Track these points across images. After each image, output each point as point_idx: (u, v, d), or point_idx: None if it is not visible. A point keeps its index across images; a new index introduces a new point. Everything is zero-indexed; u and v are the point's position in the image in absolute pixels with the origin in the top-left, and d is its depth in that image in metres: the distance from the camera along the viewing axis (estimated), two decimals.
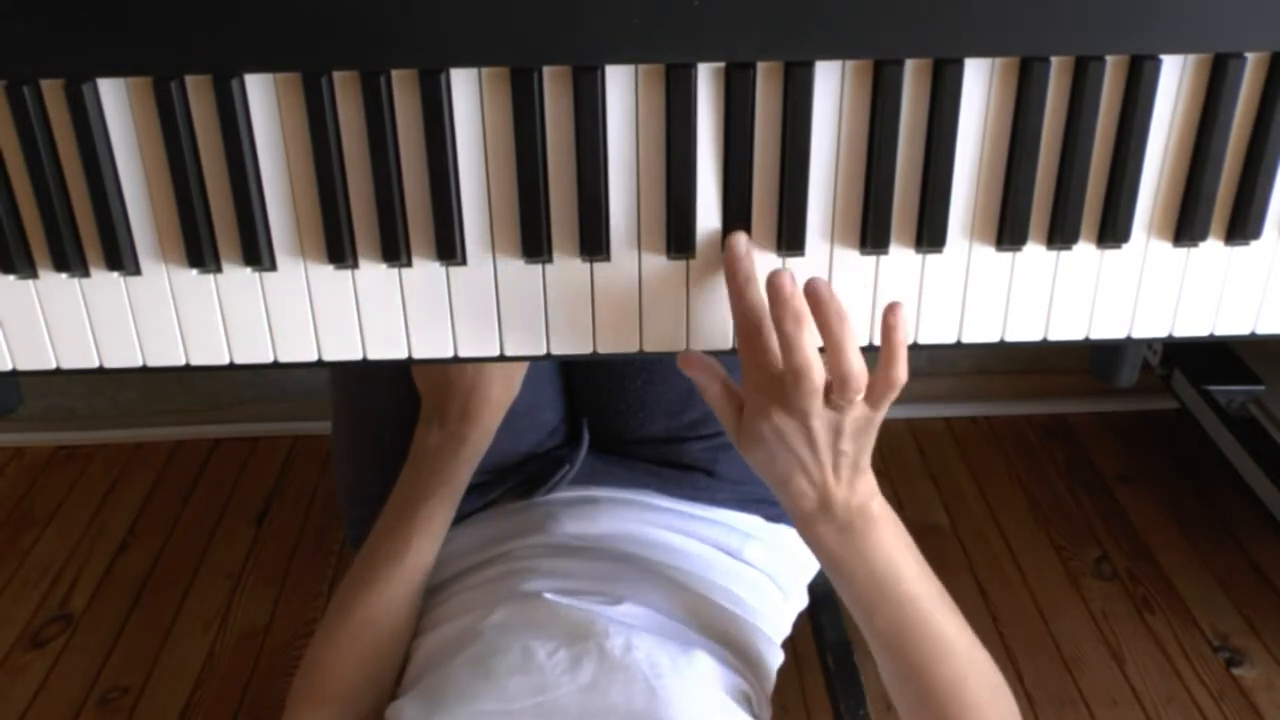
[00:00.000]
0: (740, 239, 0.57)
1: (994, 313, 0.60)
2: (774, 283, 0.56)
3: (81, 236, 0.56)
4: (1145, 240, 0.59)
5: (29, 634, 1.55)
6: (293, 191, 0.56)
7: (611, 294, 0.59)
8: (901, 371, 0.58)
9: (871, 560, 0.65)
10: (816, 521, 0.65)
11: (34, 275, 0.58)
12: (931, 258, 0.59)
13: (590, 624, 0.75)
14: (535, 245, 0.56)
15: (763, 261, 0.58)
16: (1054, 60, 0.54)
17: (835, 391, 0.57)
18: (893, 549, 0.66)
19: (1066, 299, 0.60)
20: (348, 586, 0.82)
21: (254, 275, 0.58)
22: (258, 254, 0.56)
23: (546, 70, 0.54)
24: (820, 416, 0.59)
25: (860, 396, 0.58)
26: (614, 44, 0.52)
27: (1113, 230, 0.58)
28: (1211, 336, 0.62)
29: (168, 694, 1.46)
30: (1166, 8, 0.52)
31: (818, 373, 0.56)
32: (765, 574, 0.90)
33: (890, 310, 0.57)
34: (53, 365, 0.60)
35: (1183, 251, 0.59)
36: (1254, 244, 0.59)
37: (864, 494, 0.64)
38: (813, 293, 0.56)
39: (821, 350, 0.58)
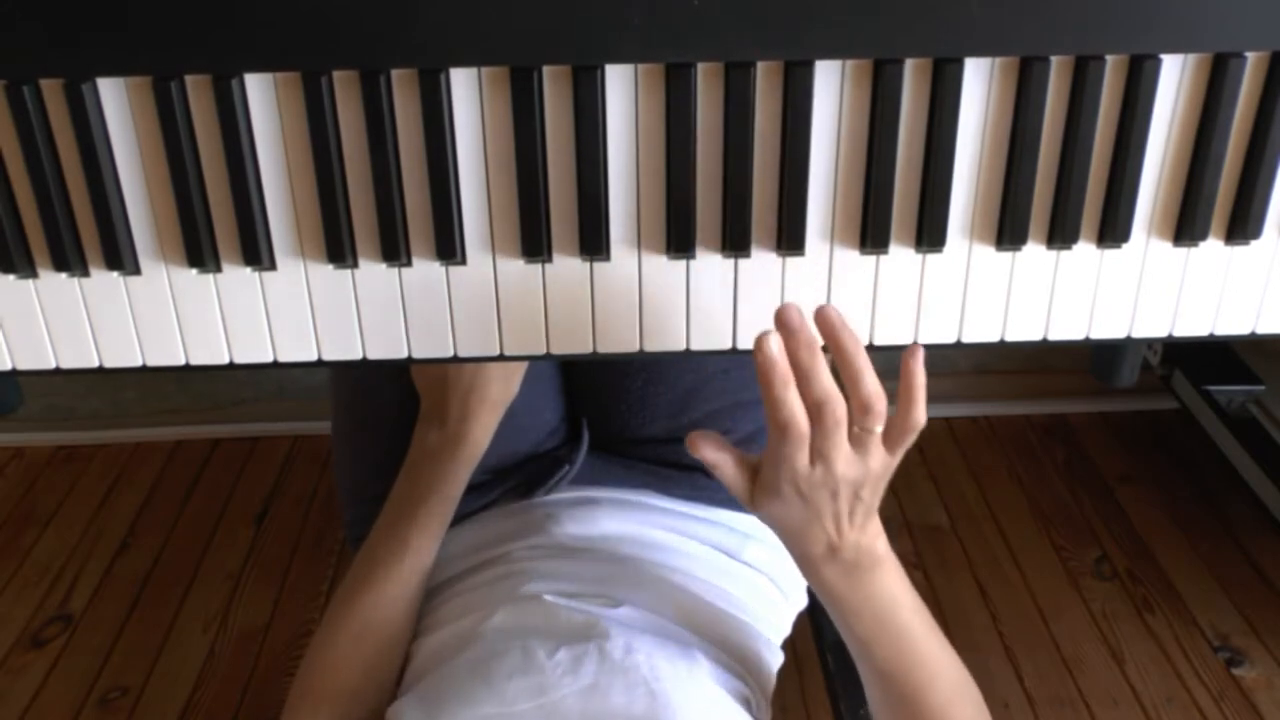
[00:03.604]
0: (770, 343, 0.55)
1: (994, 313, 0.60)
2: (782, 317, 0.55)
3: (81, 236, 0.56)
4: (1145, 240, 0.59)
5: (29, 634, 1.55)
6: (293, 191, 0.56)
7: (611, 294, 0.59)
8: (921, 414, 0.59)
9: (875, 598, 0.66)
10: (825, 564, 0.65)
11: (34, 275, 0.58)
12: (931, 258, 0.59)
13: (590, 626, 0.75)
14: (535, 245, 0.56)
15: (762, 260, 0.58)
16: (1054, 60, 0.54)
17: (856, 419, 0.58)
18: (894, 587, 0.67)
19: (1066, 299, 0.60)
20: (347, 587, 0.82)
21: (254, 275, 0.58)
22: (257, 254, 0.56)
23: (546, 70, 0.54)
24: (845, 462, 0.59)
25: (881, 422, 0.58)
26: (614, 44, 0.52)
27: (1113, 230, 0.58)
28: (1211, 336, 0.62)
29: (168, 694, 1.46)
30: (1166, 8, 0.52)
31: (840, 403, 0.57)
32: (765, 575, 0.90)
33: (911, 354, 0.58)
34: (53, 365, 0.60)
35: (1183, 251, 0.59)
36: (1254, 244, 0.59)
37: (872, 535, 0.65)
38: (824, 320, 0.56)
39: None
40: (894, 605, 0.67)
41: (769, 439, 0.60)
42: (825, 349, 0.57)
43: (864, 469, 0.60)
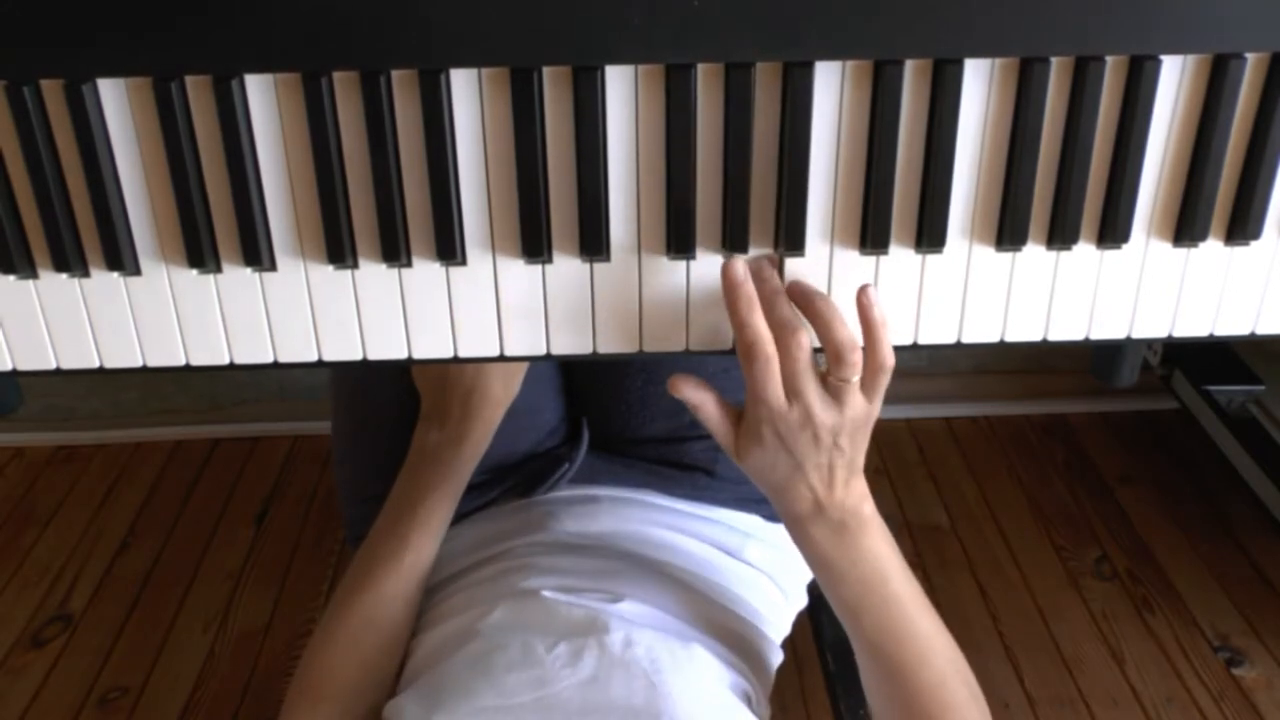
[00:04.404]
0: (737, 265, 0.57)
1: (994, 313, 0.60)
2: (754, 266, 0.58)
3: (81, 237, 0.56)
4: (1145, 240, 0.59)
5: (29, 634, 1.55)
6: (293, 191, 0.56)
7: (611, 294, 0.59)
8: (886, 353, 0.59)
9: (861, 562, 0.67)
10: (811, 523, 0.65)
11: (34, 275, 0.58)
12: (931, 258, 0.59)
13: (590, 621, 0.75)
14: (535, 245, 0.56)
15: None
16: (1054, 60, 0.54)
17: (831, 368, 0.58)
18: (881, 551, 0.67)
19: (1066, 299, 0.60)
20: (346, 585, 0.82)
21: (254, 275, 0.58)
22: (258, 254, 0.56)
23: (546, 70, 0.54)
24: (821, 402, 0.59)
25: (857, 372, 0.58)
26: (614, 44, 0.52)
27: (1113, 230, 0.58)
28: (1211, 336, 0.62)
29: (168, 694, 1.46)
30: (1166, 8, 0.52)
31: (802, 330, 0.57)
32: (765, 574, 0.90)
33: (861, 292, 0.57)
34: (53, 365, 0.60)
35: (1182, 252, 0.59)
36: (1254, 244, 0.59)
37: (858, 496, 0.65)
38: (793, 288, 0.59)
39: (818, 350, 0.59)
40: (882, 570, 0.67)
41: (746, 380, 0.60)
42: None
43: (842, 413, 0.60)
